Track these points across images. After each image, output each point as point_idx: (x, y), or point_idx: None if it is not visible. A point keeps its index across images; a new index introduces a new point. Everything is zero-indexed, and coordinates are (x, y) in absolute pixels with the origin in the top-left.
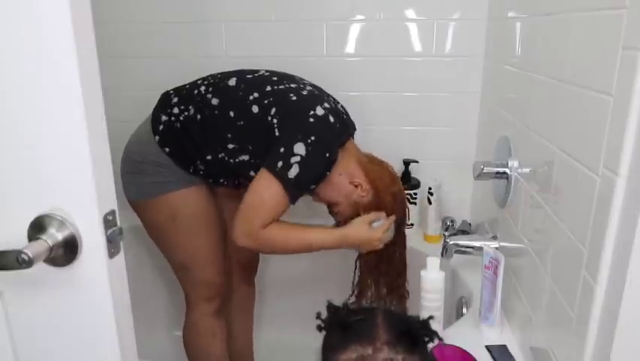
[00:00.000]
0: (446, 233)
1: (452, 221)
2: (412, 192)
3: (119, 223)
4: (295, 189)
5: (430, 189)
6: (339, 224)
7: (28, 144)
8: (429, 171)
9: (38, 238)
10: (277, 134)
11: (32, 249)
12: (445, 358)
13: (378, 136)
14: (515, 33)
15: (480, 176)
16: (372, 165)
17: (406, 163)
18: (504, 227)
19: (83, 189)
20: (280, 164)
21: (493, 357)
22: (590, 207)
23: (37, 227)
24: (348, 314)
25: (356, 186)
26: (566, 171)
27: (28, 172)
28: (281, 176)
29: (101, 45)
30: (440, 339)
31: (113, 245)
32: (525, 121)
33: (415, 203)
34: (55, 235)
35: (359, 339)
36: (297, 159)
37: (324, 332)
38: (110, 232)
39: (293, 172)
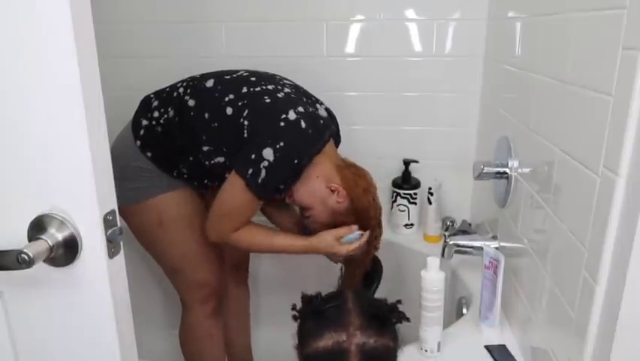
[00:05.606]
0: (446, 233)
1: (452, 221)
2: (412, 192)
3: (119, 223)
4: (263, 193)
5: (430, 189)
6: (308, 232)
7: (28, 144)
8: (429, 171)
9: (38, 238)
10: (245, 135)
11: (32, 249)
12: None
13: (379, 136)
14: (515, 33)
15: (480, 176)
16: (349, 172)
17: (406, 163)
18: (504, 227)
19: (83, 189)
20: (251, 171)
21: (493, 357)
22: (590, 207)
23: (38, 227)
24: (321, 303)
25: (332, 191)
26: (566, 171)
27: (28, 172)
28: (250, 182)
29: (100, 45)
30: (408, 320)
31: (113, 245)
32: (525, 121)
33: (415, 203)
34: (55, 235)
35: (333, 326)
36: (265, 164)
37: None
38: (110, 232)
39: (260, 177)
